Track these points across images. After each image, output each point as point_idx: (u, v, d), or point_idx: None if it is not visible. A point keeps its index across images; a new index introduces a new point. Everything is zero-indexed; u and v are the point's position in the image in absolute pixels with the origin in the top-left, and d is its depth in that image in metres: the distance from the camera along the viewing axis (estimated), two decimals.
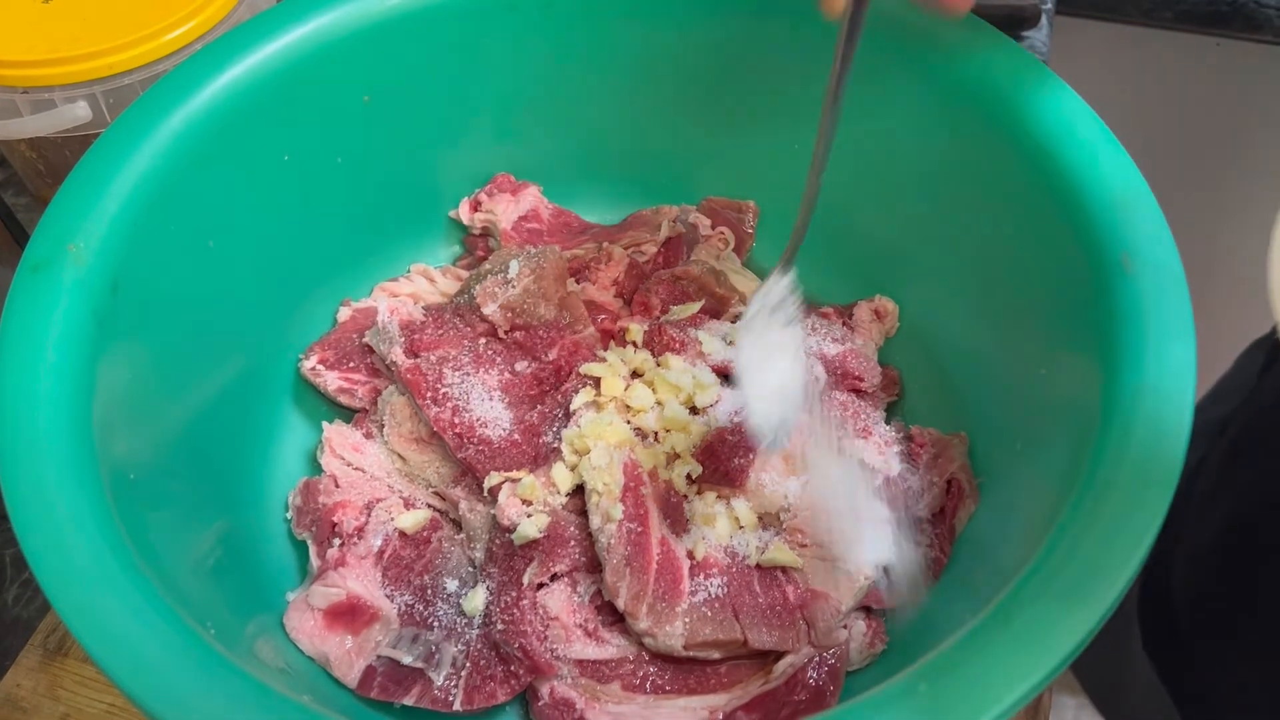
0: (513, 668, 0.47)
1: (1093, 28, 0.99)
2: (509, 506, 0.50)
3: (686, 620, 0.47)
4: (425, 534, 0.52)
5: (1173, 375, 0.40)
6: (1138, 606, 0.81)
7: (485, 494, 0.52)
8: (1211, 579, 0.74)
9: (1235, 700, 0.70)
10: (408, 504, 0.54)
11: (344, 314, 0.61)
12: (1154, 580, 0.79)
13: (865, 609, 0.50)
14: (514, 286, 0.56)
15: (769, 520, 0.51)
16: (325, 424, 0.56)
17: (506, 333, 0.56)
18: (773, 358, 0.49)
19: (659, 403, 0.53)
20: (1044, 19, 0.80)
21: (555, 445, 0.52)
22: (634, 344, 0.56)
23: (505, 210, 0.63)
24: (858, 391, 0.56)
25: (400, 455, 0.55)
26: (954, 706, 0.33)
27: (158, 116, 0.50)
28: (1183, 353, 0.41)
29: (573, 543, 0.49)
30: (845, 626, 0.49)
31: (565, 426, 0.53)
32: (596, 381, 0.54)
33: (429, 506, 0.54)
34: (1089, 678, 1.10)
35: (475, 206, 0.64)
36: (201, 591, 0.43)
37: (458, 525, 0.53)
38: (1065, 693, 1.44)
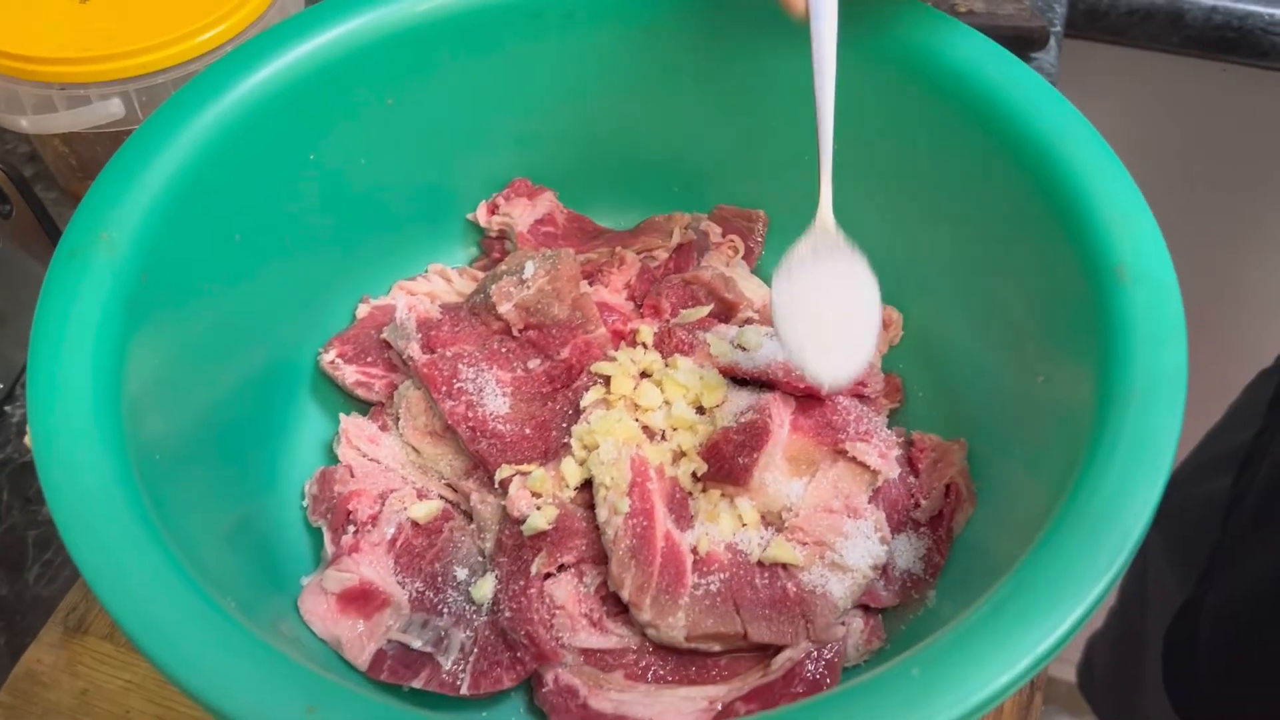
0: (518, 654, 0.48)
1: (1101, 51, 1.00)
2: (519, 499, 0.51)
3: (689, 613, 0.49)
4: (437, 524, 0.54)
5: (1164, 381, 0.41)
6: (1164, 640, 0.82)
7: (496, 486, 0.53)
8: (1237, 628, 0.74)
9: None
10: (421, 495, 0.55)
11: (363, 310, 0.62)
12: (1183, 620, 0.79)
13: (863, 607, 0.51)
14: (529, 287, 0.58)
15: (771, 519, 0.53)
16: (342, 416, 0.58)
17: (520, 331, 0.58)
18: (834, 290, 0.49)
19: (667, 402, 0.55)
20: (1052, 41, 0.81)
21: (565, 441, 0.54)
22: (644, 345, 0.58)
23: (522, 214, 0.65)
24: (861, 397, 0.57)
25: (414, 448, 0.56)
26: (945, 690, 0.35)
27: (189, 114, 0.52)
28: (1174, 360, 0.42)
29: (580, 535, 0.51)
30: (843, 623, 0.50)
31: (575, 423, 0.54)
32: (607, 380, 0.55)
33: (441, 498, 0.55)
34: (1103, 703, 1.11)
35: (493, 210, 0.66)
36: (221, 568, 0.44)
37: (469, 516, 0.54)
38: (1068, 714, 1.44)
